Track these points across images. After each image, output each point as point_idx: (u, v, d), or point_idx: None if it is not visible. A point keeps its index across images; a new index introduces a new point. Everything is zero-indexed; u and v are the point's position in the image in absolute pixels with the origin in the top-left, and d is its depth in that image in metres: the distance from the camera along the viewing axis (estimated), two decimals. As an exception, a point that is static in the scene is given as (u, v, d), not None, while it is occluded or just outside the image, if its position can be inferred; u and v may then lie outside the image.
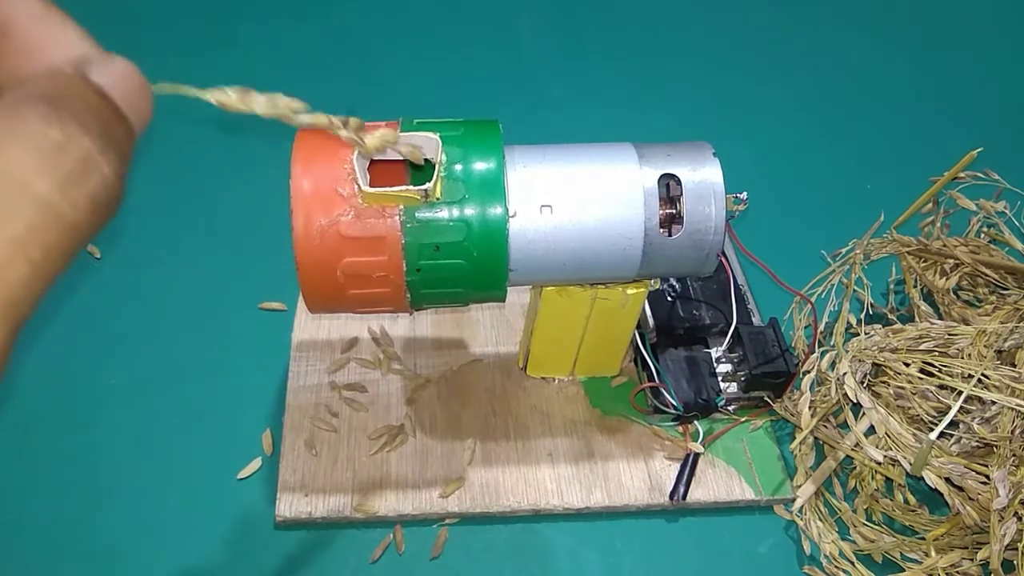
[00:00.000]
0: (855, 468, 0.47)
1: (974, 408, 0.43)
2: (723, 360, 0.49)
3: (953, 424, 0.43)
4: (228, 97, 0.23)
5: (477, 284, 0.37)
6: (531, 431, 0.47)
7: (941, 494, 0.42)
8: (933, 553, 0.43)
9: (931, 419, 0.44)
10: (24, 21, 0.20)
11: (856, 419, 0.45)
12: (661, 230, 0.37)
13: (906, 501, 0.46)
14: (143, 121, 0.21)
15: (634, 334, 0.47)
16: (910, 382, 0.45)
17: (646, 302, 0.48)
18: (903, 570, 0.43)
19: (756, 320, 0.51)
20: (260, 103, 0.24)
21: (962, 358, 0.44)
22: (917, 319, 0.52)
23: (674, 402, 0.47)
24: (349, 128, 0.31)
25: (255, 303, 0.53)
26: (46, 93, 0.18)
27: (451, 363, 0.50)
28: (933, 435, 0.41)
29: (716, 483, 0.46)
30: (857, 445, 0.44)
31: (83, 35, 0.21)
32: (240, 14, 0.75)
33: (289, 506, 0.43)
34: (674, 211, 0.38)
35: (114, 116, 0.19)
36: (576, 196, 0.37)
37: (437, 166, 0.34)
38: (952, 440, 0.43)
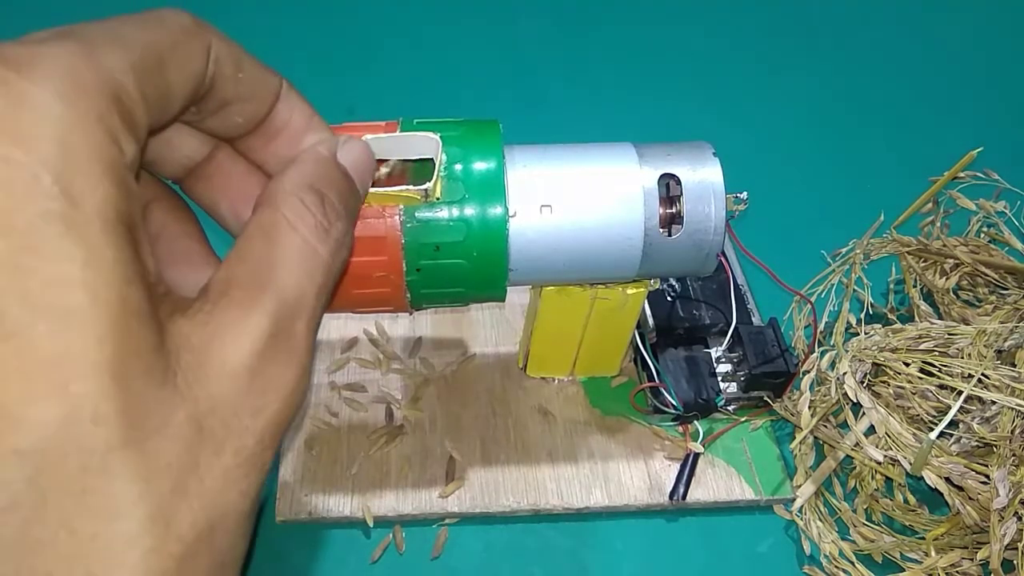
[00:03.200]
0: (855, 468, 0.47)
1: (974, 408, 0.43)
2: (723, 360, 0.49)
3: (953, 424, 0.43)
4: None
5: (477, 284, 0.37)
6: (531, 431, 0.47)
7: (941, 494, 0.42)
8: (933, 553, 0.43)
9: (931, 419, 0.44)
10: (297, 121, 0.24)
11: (856, 419, 0.45)
12: (661, 230, 0.37)
13: (906, 501, 0.46)
14: (368, 188, 0.26)
15: (634, 334, 0.47)
16: (910, 382, 0.45)
17: (646, 302, 0.48)
18: (903, 570, 0.43)
19: (756, 320, 0.51)
20: None
21: (962, 358, 0.44)
22: (917, 319, 0.52)
23: (674, 402, 0.47)
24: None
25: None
26: (309, 182, 0.22)
27: (451, 363, 0.50)
28: (933, 435, 0.41)
29: (716, 483, 0.46)
30: (857, 445, 0.44)
31: (327, 126, 0.25)
32: (239, 13, 0.75)
33: (289, 506, 0.43)
34: (674, 211, 0.38)
35: (353, 193, 0.24)
36: (576, 196, 0.37)
37: (437, 166, 0.34)
38: (952, 440, 0.43)
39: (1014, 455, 0.41)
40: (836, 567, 0.43)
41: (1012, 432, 0.41)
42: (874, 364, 0.46)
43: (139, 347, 0.16)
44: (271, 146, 0.24)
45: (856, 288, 0.54)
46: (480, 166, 0.35)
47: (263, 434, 0.18)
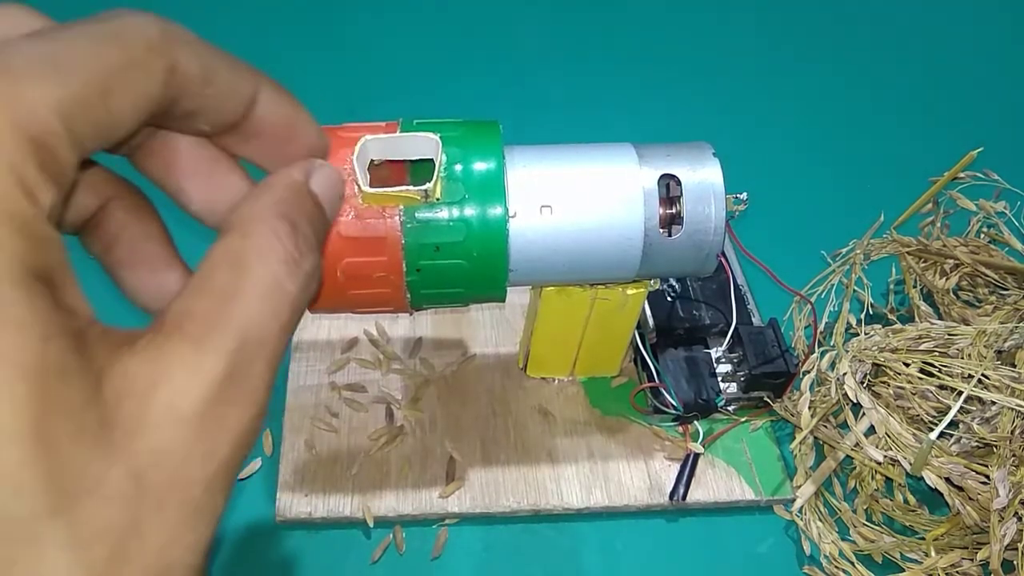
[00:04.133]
0: (855, 468, 0.47)
1: (974, 408, 0.43)
2: (723, 360, 0.49)
3: (953, 424, 0.43)
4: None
5: (477, 284, 0.37)
6: (531, 431, 0.47)
7: (941, 494, 0.42)
8: (933, 553, 0.43)
9: (931, 419, 0.44)
10: (277, 125, 0.22)
11: (856, 419, 0.45)
12: (661, 230, 0.37)
13: (906, 501, 0.46)
14: (335, 217, 0.24)
15: (634, 334, 0.47)
16: (910, 382, 0.45)
17: (646, 302, 0.48)
18: (903, 570, 0.43)
19: (756, 320, 0.51)
20: None
21: (962, 358, 0.44)
22: (917, 319, 0.52)
23: (674, 402, 0.47)
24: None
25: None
26: (282, 210, 0.20)
27: (451, 363, 0.50)
28: (933, 435, 0.41)
29: (716, 483, 0.46)
30: (857, 445, 0.44)
31: (317, 129, 0.23)
32: (239, 14, 0.75)
33: (289, 506, 0.43)
34: (674, 211, 0.38)
35: (323, 222, 0.22)
36: (576, 196, 0.37)
37: (437, 166, 0.34)
38: (952, 440, 0.43)
39: (1014, 455, 0.41)
40: (836, 567, 0.43)
41: (1012, 432, 0.41)
42: (874, 364, 0.46)
43: (64, 406, 0.15)
44: (248, 147, 0.22)
45: (856, 288, 0.54)
46: (480, 166, 0.35)
47: (212, 481, 0.17)
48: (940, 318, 0.53)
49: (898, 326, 0.48)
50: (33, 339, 0.14)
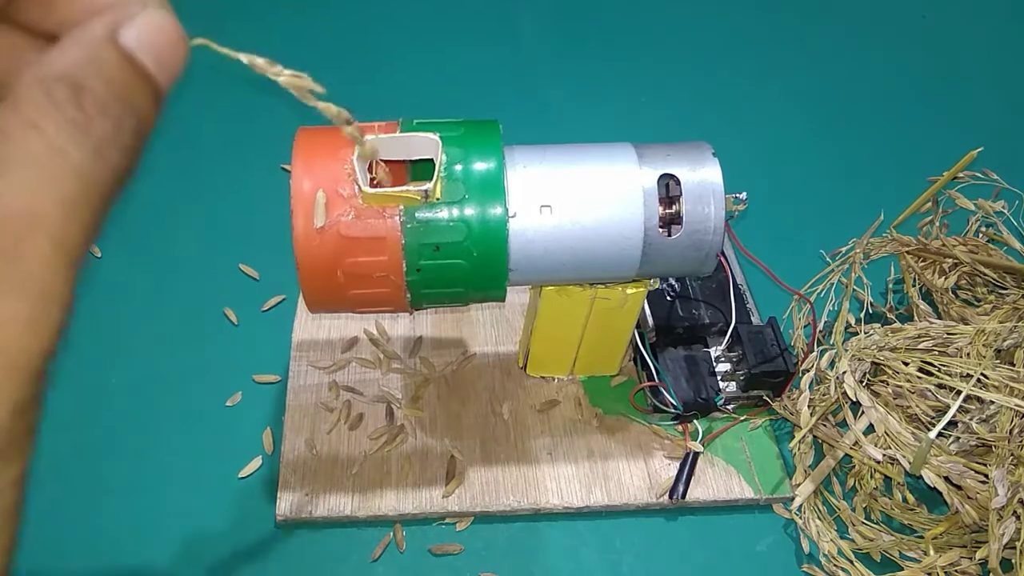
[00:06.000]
0: (854, 467, 0.47)
1: (973, 407, 0.43)
2: (722, 359, 0.49)
3: (952, 423, 0.43)
4: (257, 61, 0.23)
5: (477, 284, 0.37)
6: (531, 430, 0.48)
7: (940, 493, 0.42)
8: (932, 552, 0.43)
9: (930, 418, 0.44)
10: None
11: (855, 418, 0.45)
12: (660, 230, 0.38)
13: (905, 500, 0.46)
14: (173, 77, 0.20)
15: (633, 333, 0.47)
16: (909, 381, 0.45)
17: (645, 302, 0.48)
18: (902, 569, 0.43)
19: (755, 319, 0.51)
20: (285, 74, 0.25)
21: (961, 357, 0.45)
22: (916, 318, 0.53)
23: (673, 401, 0.47)
24: (352, 127, 0.31)
25: (256, 302, 0.53)
26: (62, 71, 0.17)
27: (451, 363, 0.50)
28: (932, 434, 0.41)
29: (715, 482, 0.46)
30: (856, 444, 0.45)
31: None
32: (239, 13, 0.75)
33: (289, 505, 0.43)
34: (673, 211, 0.38)
35: (139, 83, 0.18)
36: (576, 196, 0.37)
37: (437, 166, 0.34)
38: (951, 439, 0.43)
39: (1012, 455, 0.41)
40: (835, 566, 0.43)
41: (1011, 432, 0.41)
42: (873, 363, 0.46)
43: None
44: (53, 15, 0.19)
45: (855, 287, 0.54)
46: (480, 166, 0.36)
47: None
48: (939, 317, 0.53)
49: (897, 325, 0.48)
50: None
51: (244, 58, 0.23)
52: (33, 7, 0.19)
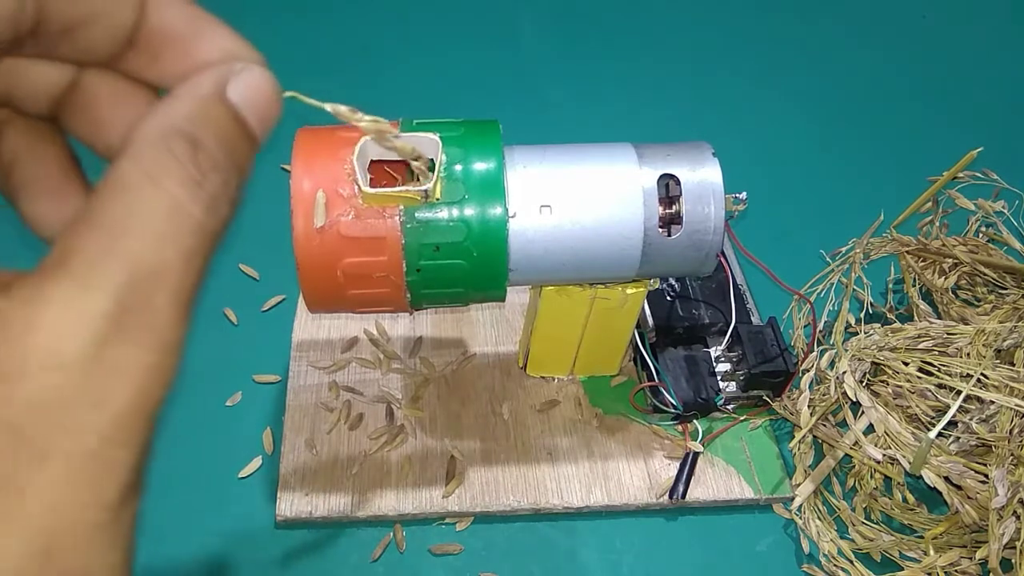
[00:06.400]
0: (854, 467, 0.47)
1: (973, 407, 0.43)
2: (722, 359, 0.49)
3: (952, 423, 0.43)
4: (341, 110, 0.25)
5: (477, 284, 0.37)
6: (531, 430, 0.48)
7: (940, 493, 0.42)
8: (932, 552, 0.43)
9: (930, 418, 0.44)
10: (177, 28, 0.20)
11: (855, 418, 0.45)
12: (660, 230, 0.38)
13: (905, 500, 0.46)
14: (269, 131, 0.21)
15: (633, 333, 0.47)
16: (909, 381, 0.45)
17: (645, 302, 0.48)
18: (902, 568, 0.43)
19: (755, 319, 0.51)
20: (366, 120, 0.27)
21: (961, 357, 0.45)
22: (916, 318, 0.53)
23: (673, 401, 0.47)
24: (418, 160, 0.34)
25: (256, 302, 0.53)
26: (179, 126, 0.18)
27: (451, 363, 0.50)
28: (932, 434, 0.41)
29: (715, 482, 0.46)
30: (856, 444, 0.45)
31: (231, 32, 0.21)
32: (239, 13, 0.75)
33: (289, 505, 0.43)
34: (673, 211, 0.38)
35: (243, 137, 0.19)
36: (576, 196, 0.37)
37: (437, 166, 0.34)
38: (951, 439, 0.43)
39: (1012, 454, 0.41)
40: (835, 566, 0.43)
41: (1011, 432, 0.41)
42: (873, 363, 0.46)
43: None
44: (158, 65, 0.20)
45: (855, 287, 0.54)
46: (480, 166, 0.36)
47: (109, 429, 0.15)
48: (939, 317, 0.53)
49: (897, 325, 0.48)
50: None
51: (329, 108, 0.25)
52: (139, 57, 0.20)
